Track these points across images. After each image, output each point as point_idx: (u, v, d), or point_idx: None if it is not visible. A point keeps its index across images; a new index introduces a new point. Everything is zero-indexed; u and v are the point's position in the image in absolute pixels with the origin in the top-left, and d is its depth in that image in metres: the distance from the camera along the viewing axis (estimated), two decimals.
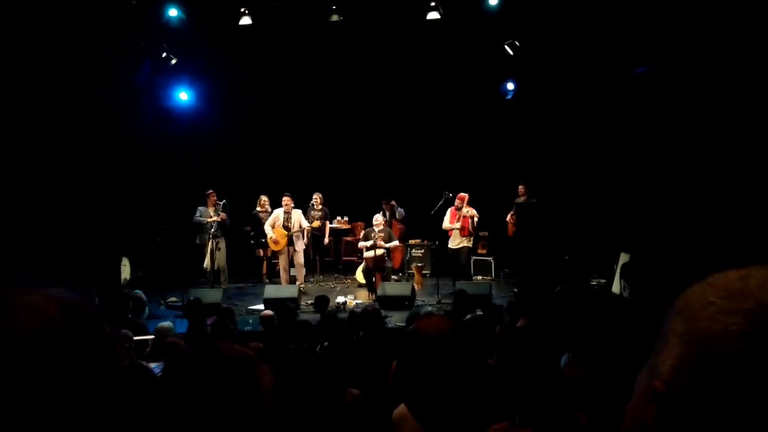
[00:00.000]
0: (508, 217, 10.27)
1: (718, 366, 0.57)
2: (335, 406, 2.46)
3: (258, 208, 10.51)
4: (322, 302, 7.15)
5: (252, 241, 10.55)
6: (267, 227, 9.79)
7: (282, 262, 9.86)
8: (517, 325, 4.49)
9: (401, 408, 1.92)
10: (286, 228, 9.66)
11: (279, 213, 9.74)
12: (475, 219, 9.55)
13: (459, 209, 9.54)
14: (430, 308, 7.71)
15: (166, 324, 5.86)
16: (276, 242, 9.72)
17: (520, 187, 10.12)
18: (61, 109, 8.92)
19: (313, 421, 2.30)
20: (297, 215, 9.73)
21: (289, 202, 9.70)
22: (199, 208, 9.98)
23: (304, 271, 10.12)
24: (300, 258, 9.91)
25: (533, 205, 9.99)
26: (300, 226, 9.70)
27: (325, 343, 5.14)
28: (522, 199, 10.13)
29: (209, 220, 9.74)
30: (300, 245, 9.81)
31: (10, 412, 0.64)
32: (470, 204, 9.64)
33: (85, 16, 8.40)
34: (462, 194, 9.59)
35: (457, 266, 9.63)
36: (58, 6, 8.24)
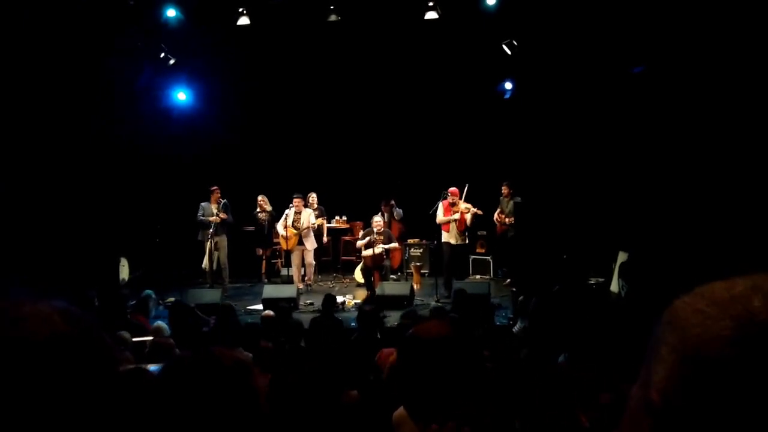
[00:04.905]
0: (495, 215, 10.26)
1: (711, 372, 0.57)
2: (333, 407, 2.47)
3: (257, 209, 10.54)
4: (328, 302, 7.03)
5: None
6: (279, 226, 9.86)
7: (295, 260, 9.87)
8: (514, 329, 4.49)
9: (401, 410, 1.92)
10: (296, 228, 9.68)
11: (289, 212, 9.78)
12: (471, 213, 9.32)
13: (453, 204, 9.44)
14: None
15: (161, 323, 5.87)
16: (289, 238, 9.74)
17: (503, 187, 10.13)
18: (58, 110, 8.91)
19: (311, 423, 2.30)
20: (306, 215, 9.78)
21: (299, 203, 9.77)
22: (202, 204, 9.90)
23: (312, 269, 10.18)
24: (309, 257, 9.95)
25: (523, 204, 9.93)
26: (308, 225, 9.74)
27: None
28: (507, 198, 10.13)
29: (211, 219, 9.73)
30: (310, 244, 9.84)
31: (21, 415, 0.66)
32: (465, 200, 9.56)
33: (82, 16, 8.39)
34: (453, 189, 9.49)
35: (455, 261, 9.59)
36: (55, 6, 8.22)
